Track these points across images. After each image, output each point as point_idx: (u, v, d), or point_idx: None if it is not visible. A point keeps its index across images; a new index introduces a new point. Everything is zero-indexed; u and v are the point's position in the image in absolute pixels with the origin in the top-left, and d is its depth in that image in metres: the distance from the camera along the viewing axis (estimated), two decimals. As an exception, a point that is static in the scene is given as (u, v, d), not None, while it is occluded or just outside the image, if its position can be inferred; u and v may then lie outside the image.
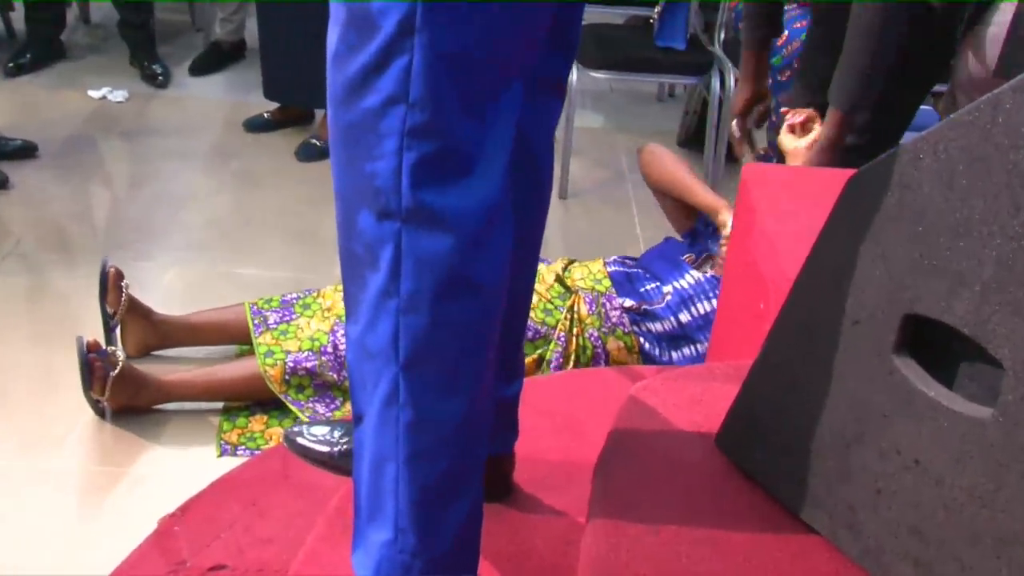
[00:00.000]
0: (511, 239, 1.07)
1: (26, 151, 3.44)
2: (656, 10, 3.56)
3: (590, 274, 2.59)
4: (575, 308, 2.46)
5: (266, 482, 1.73)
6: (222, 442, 2.29)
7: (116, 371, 2.22)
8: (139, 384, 2.29)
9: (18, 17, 4.40)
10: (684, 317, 2.49)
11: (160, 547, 1.58)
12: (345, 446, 1.41)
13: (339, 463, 1.40)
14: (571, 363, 2.40)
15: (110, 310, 2.47)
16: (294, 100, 3.85)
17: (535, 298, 2.49)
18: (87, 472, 2.18)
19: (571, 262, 2.66)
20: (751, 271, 1.76)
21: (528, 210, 1.26)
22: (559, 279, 2.57)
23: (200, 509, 1.67)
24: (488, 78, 1.00)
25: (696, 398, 1.30)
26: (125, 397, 2.27)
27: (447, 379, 1.06)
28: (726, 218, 2.53)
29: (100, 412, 2.29)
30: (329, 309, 2.50)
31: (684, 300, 2.50)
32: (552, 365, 2.40)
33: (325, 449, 1.42)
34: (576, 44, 1.26)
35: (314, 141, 3.75)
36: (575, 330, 2.43)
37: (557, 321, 2.45)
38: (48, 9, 4.18)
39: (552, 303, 2.48)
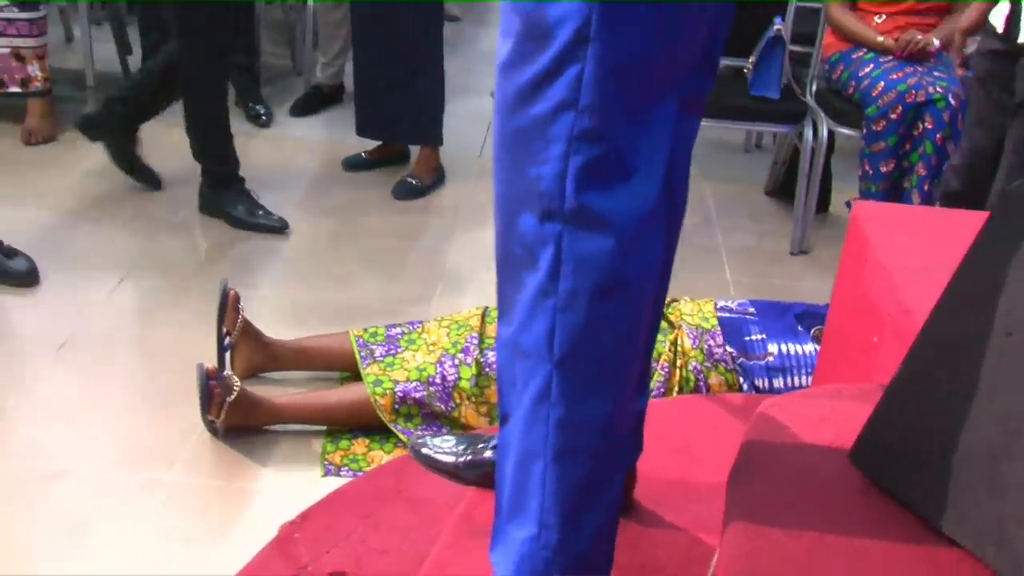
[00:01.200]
0: (663, 245, 1.09)
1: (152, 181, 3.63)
2: (750, 60, 3.58)
3: (699, 311, 2.59)
4: (678, 341, 2.47)
5: (380, 497, 1.76)
6: (326, 463, 2.32)
7: (232, 397, 2.28)
8: (252, 406, 2.34)
9: (134, 61, 4.59)
10: (777, 383, 2.47)
11: (282, 552, 1.61)
12: (469, 457, 1.44)
13: (462, 473, 1.43)
14: (673, 393, 2.40)
15: (226, 330, 2.53)
16: (384, 136, 3.95)
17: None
18: (199, 486, 2.22)
19: (673, 300, 2.66)
20: (863, 304, 1.75)
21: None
22: (663, 315, 2.58)
23: (318, 519, 1.70)
24: (651, 88, 1.03)
25: (825, 416, 1.30)
26: (238, 418, 2.32)
27: (598, 378, 1.08)
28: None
29: (213, 431, 2.34)
30: (434, 344, 2.54)
31: (785, 368, 2.48)
32: (654, 394, 2.40)
33: (450, 459, 1.45)
34: (717, 67, 1.29)
35: (410, 180, 3.84)
36: (678, 362, 2.43)
37: (660, 354, 2.46)
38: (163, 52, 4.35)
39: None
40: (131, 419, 2.42)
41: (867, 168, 3.40)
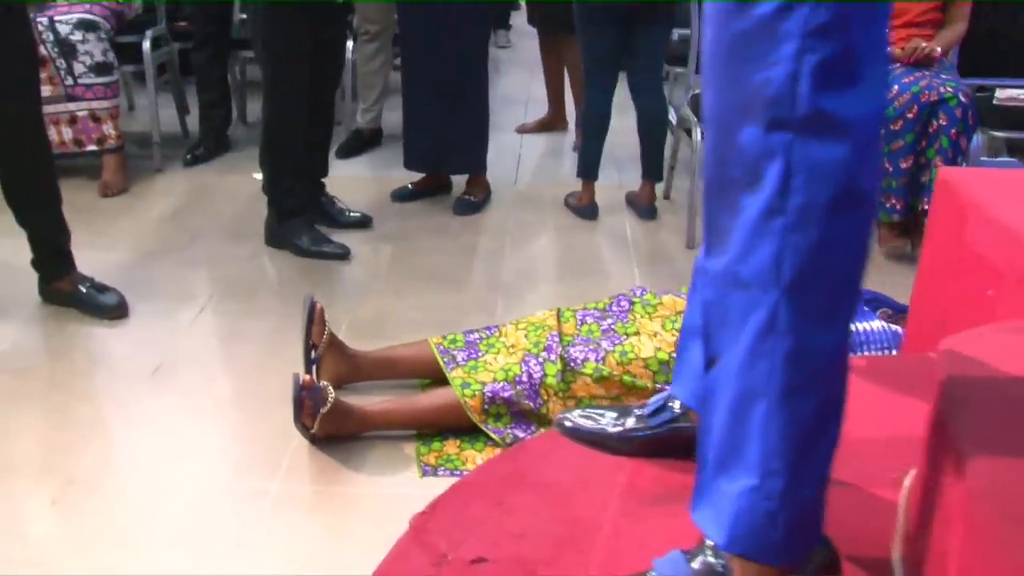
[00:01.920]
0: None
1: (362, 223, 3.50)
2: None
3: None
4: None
5: (505, 483, 1.55)
6: (422, 464, 2.11)
7: (327, 408, 2.08)
8: (345, 415, 2.14)
9: (190, 119, 4.47)
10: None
11: (419, 543, 1.40)
12: (621, 428, 1.24)
13: (615, 444, 1.22)
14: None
15: (313, 343, 2.33)
16: (432, 168, 3.78)
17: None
18: (304, 492, 2.02)
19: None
20: (970, 262, 1.56)
21: None
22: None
23: (449, 508, 1.49)
24: None
25: (1016, 349, 1.10)
26: (332, 427, 2.12)
27: (829, 304, 0.89)
28: None
29: (310, 439, 2.14)
30: (513, 346, 2.34)
31: (857, 344, 2.29)
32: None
33: (603, 430, 1.24)
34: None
35: (467, 197, 3.72)
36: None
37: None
38: (217, 111, 4.23)
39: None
40: (231, 432, 2.22)
41: (887, 165, 3.22)
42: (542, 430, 2.20)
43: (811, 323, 0.88)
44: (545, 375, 2.20)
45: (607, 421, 1.28)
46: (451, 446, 2.19)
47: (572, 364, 2.21)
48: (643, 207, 3.72)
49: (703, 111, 0.94)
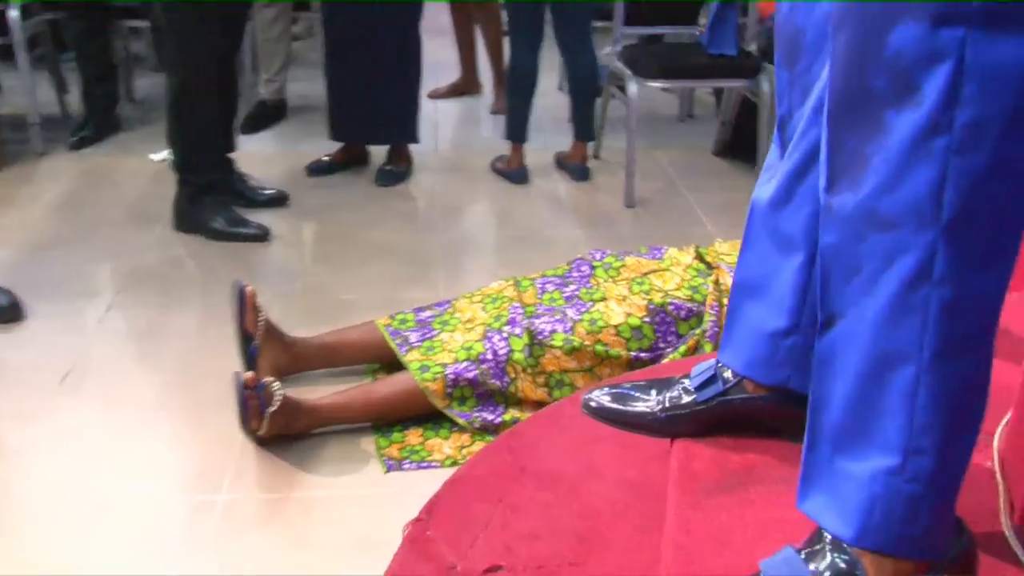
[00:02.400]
0: None
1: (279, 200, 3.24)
2: (701, 23, 3.31)
3: (736, 251, 2.27)
4: (719, 281, 2.15)
5: (503, 476, 1.37)
6: (385, 458, 1.92)
7: (275, 406, 1.86)
8: (295, 412, 1.92)
9: (71, 98, 4.08)
10: None
11: (421, 553, 1.21)
12: (661, 404, 1.08)
13: (656, 424, 1.06)
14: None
15: (248, 333, 2.10)
16: (362, 138, 3.56)
17: (678, 279, 2.18)
18: (255, 502, 1.79)
19: (699, 247, 2.34)
20: None
21: None
22: (699, 256, 2.26)
23: (446, 511, 1.30)
24: None
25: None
26: (281, 426, 1.90)
27: (993, 244, 0.72)
28: None
29: (256, 441, 1.92)
30: (470, 321, 2.16)
31: None
32: (707, 335, 2.07)
33: (635, 407, 1.07)
34: None
35: (390, 167, 3.51)
36: (723, 300, 2.11)
37: (704, 296, 2.13)
38: (101, 88, 3.86)
39: (694, 282, 2.16)
40: (165, 442, 1.97)
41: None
42: (511, 410, 2.03)
43: (973, 268, 0.73)
44: (511, 351, 2.02)
45: (644, 398, 1.11)
46: (413, 436, 2.00)
47: (540, 337, 2.04)
48: (576, 167, 3.57)
49: (834, 13, 0.76)
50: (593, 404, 1.15)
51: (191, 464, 1.89)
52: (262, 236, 2.93)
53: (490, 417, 2.00)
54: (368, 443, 1.97)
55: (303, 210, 3.22)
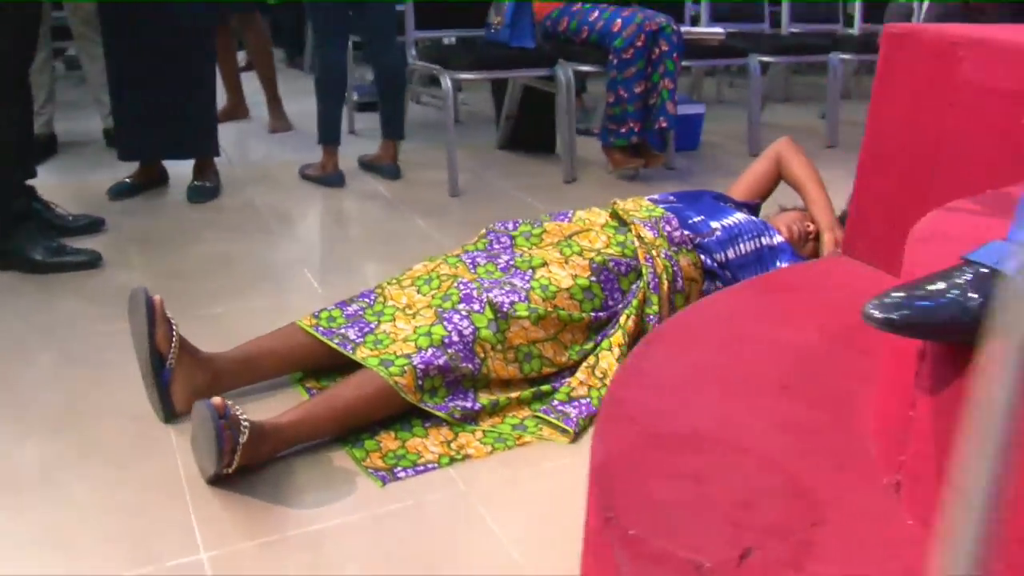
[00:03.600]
0: None
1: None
2: (496, 18, 2.99)
3: (640, 207, 1.97)
4: (640, 235, 1.85)
5: (650, 447, 0.96)
6: (371, 471, 1.40)
7: (245, 436, 1.28)
8: (263, 438, 1.35)
9: None
10: (730, 253, 1.95)
11: (645, 557, 0.78)
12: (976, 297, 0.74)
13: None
14: (665, 282, 1.78)
15: (160, 352, 1.46)
16: (161, 156, 2.83)
17: (604, 237, 1.85)
18: (247, 550, 1.21)
19: (613, 203, 2.03)
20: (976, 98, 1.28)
21: None
22: (614, 214, 1.94)
23: (626, 500, 0.87)
24: None
25: None
26: (249, 457, 1.32)
27: None
28: (829, 239, 2.10)
29: (212, 479, 1.31)
30: (409, 307, 1.69)
31: (733, 238, 1.96)
32: (651, 287, 1.77)
33: (951, 298, 0.73)
34: None
35: (201, 183, 2.82)
36: (653, 252, 1.81)
37: (634, 250, 1.82)
38: None
39: (617, 238, 1.84)
40: (91, 510, 1.29)
41: (621, 92, 2.98)
42: (482, 394, 1.59)
43: None
44: (477, 328, 1.58)
45: (948, 285, 0.76)
46: (388, 440, 1.49)
47: (506, 308, 1.61)
48: (387, 167, 3.11)
49: None
50: (879, 315, 0.79)
51: (141, 527, 1.25)
52: (93, 262, 2.17)
53: (467, 404, 1.55)
54: (341, 458, 1.44)
55: (124, 233, 2.47)
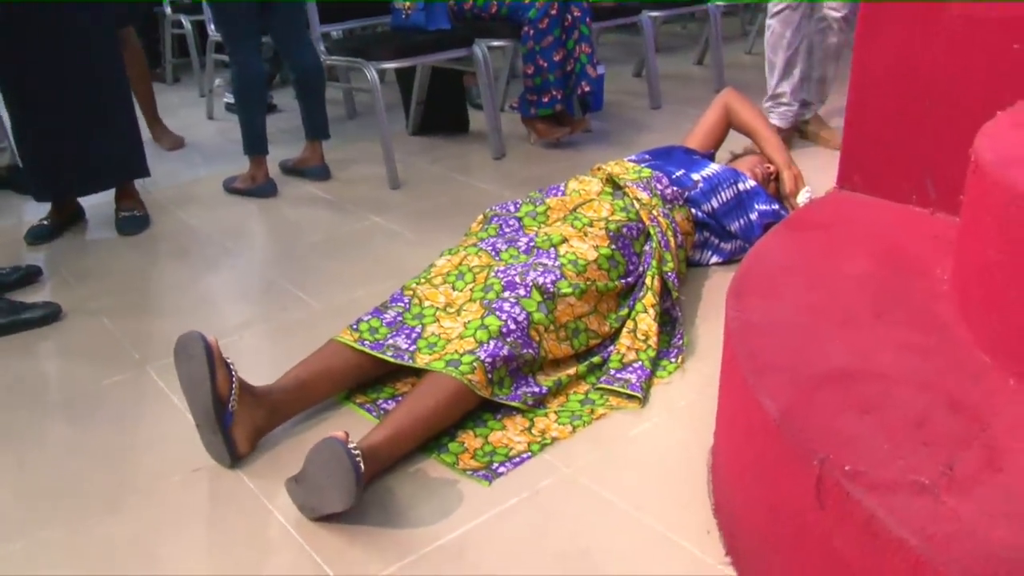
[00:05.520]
0: None
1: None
2: (406, 3, 2.93)
3: (627, 169, 2.03)
4: (638, 198, 1.91)
5: (815, 388, 1.02)
6: (471, 472, 1.39)
7: (363, 467, 1.24)
8: (377, 463, 1.33)
9: None
10: (715, 202, 2.05)
11: (911, 491, 0.84)
12: None
13: None
14: (671, 238, 1.85)
15: (221, 396, 1.38)
16: (82, 191, 2.58)
17: (607, 205, 1.90)
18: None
19: (596, 168, 2.06)
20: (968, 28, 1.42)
21: None
22: (609, 179, 1.98)
23: (850, 443, 0.93)
24: None
25: None
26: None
27: None
28: (788, 176, 2.25)
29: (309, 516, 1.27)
30: (450, 304, 1.67)
31: (714, 188, 2.06)
32: (663, 245, 1.83)
33: None
34: None
35: (129, 213, 2.62)
36: (652, 212, 1.88)
37: (637, 212, 1.88)
38: None
39: (618, 203, 1.89)
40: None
41: (540, 62, 3.00)
42: (540, 377, 1.61)
43: None
44: (529, 313, 1.59)
45: None
46: (470, 439, 1.48)
47: (550, 287, 1.63)
48: (317, 169, 3.00)
49: None
50: None
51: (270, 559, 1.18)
52: (53, 315, 1.98)
53: (534, 389, 1.56)
54: (432, 468, 1.42)
55: (66, 280, 2.26)
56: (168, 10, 4.59)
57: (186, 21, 4.51)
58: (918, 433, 0.96)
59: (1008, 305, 1.08)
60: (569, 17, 3.02)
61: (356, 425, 1.53)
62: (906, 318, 1.22)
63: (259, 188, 2.85)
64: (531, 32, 2.98)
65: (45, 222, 2.55)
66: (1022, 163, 1.11)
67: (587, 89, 3.05)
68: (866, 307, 1.25)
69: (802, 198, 2.23)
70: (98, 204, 2.70)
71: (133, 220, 2.59)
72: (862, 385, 1.05)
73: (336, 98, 4.04)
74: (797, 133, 3.10)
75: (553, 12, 2.96)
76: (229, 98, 4.10)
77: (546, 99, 3.06)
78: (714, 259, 2.10)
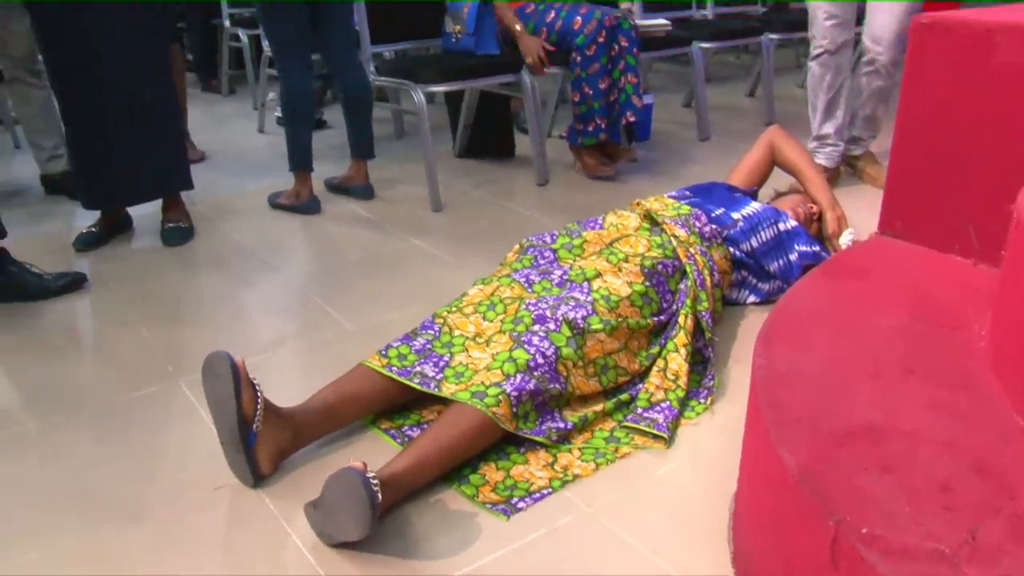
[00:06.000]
0: None
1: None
2: (456, 27, 2.98)
3: (666, 206, 2.03)
4: (676, 235, 1.90)
5: (824, 446, 1.01)
6: (491, 506, 1.40)
7: (380, 493, 1.26)
8: (396, 492, 1.34)
9: None
10: (754, 242, 2.04)
11: (917, 558, 0.83)
12: None
13: None
14: (708, 277, 1.85)
15: (246, 417, 1.40)
16: (127, 200, 2.68)
17: (643, 241, 1.89)
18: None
19: (635, 203, 2.07)
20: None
21: None
22: (648, 216, 1.98)
23: (863, 505, 0.91)
24: None
25: None
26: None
27: None
28: (831, 218, 2.26)
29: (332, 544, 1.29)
30: (479, 334, 1.68)
31: (754, 227, 2.05)
32: (699, 284, 1.82)
33: None
34: None
35: (175, 225, 2.69)
36: (690, 250, 1.88)
37: (674, 249, 1.88)
38: None
39: (655, 240, 1.89)
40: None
41: (587, 90, 3.02)
42: (566, 412, 1.61)
43: None
44: (558, 348, 1.59)
45: None
46: (491, 472, 1.49)
47: (580, 323, 1.63)
48: (361, 188, 3.05)
49: None
50: None
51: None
52: (81, 279, 2.23)
53: (560, 425, 1.56)
54: (452, 499, 1.42)
55: (110, 287, 2.33)
56: (227, 23, 4.74)
57: (243, 35, 4.65)
58: (941, 497, 0.94)
59: (1044, 368, 1.05)
60: (616, 47, 3.03)
61: (380, 450, 1.55)
62: (938, 374, 1.19)
63: (303, 205, 2.91)
64: (578, 59, 3.00)
65: (94, 229, 2.64)
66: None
67: (632, 119, 3.06)
68: (897, 360, 1.23)
69: (845, 240, 2.20)
70: (146, 214, 2.78)
71: (178, 231, 2.66)
72: (886, 443, 1.04)
73: (385, 117, 4.12)
74: (847, 167, 3.06)
75: (600, 40, 2.97)
76: (280, 112, 4.20)
77: (591, 128, 3.07)
78: (751, 299, 2.08)
